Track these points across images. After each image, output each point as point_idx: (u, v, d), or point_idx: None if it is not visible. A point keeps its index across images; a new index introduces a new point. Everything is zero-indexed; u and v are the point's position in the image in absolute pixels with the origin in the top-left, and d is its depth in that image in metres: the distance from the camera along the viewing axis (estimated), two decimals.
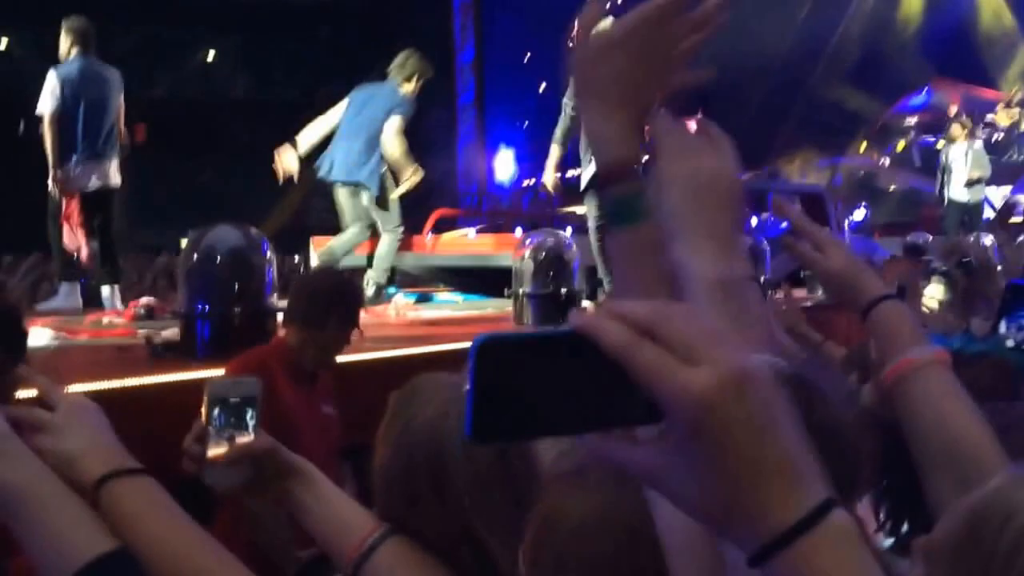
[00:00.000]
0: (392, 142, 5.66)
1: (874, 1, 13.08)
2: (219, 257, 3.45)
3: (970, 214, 8.95)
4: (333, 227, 12.40)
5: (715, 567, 0.69)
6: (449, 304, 6.71)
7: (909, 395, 1.22)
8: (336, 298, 2.77)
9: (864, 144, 12.03)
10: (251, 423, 1.27)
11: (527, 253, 4.86)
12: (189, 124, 16.57)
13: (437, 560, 1.25)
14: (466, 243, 7.29)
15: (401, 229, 6.00)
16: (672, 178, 0.88)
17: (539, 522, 1.01)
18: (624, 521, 0.93)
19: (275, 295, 3.58)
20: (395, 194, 5.86)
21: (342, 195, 5.94)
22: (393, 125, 5.66)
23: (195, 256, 3.52)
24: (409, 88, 5.84)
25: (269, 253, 3.59)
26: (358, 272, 5.82)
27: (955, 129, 9.07)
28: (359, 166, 5.72)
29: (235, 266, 3.42)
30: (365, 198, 5.82)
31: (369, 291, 5.84)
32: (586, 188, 5.21)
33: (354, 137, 5.76)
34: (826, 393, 1.07)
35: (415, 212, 11.03)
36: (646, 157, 0.89)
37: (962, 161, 8.88)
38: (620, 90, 0.88)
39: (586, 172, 5.16)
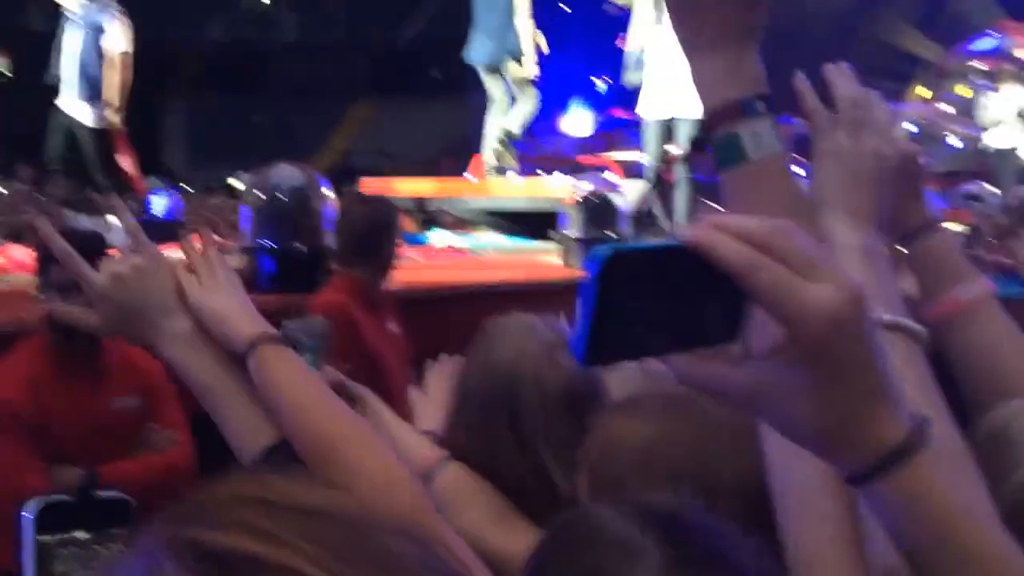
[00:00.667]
0: (525, 22, 6.09)
1: None
2: (281, 195, 3.55)
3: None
4: (380, 168, 12.49)
5: (837, 513, 0.73)
6: (493, 246, 6.79)
7: (958, 337, 1.14)
8: (383, 225, 2.98)
9: (919, 88, 11.73)
10: (320, 361, 1.38)
11: (575, 197, 4.92)
12: (242, 66, 16.71)
13: (494, 486, 1.35)
14: (510, 186, 7.33)
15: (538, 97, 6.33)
16: (830, 151, 0.92)
17: (597, 449, 1.07)
18: (679, 446, 0.99)
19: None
20: (526, 69, 6.15)
21: (487, 77, 6.40)
22: (525, 4, 6.06)
23: (258, 194, 3.63)
24: None
25: (327, 192, 3.69)
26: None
27: (1003, 74, 8.82)
28: (501, 44, 6.11)
29: (296, 204, 3.53)
30: (512, 69, 6.17)
31: (495, 146, 6.24)
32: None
33: (489, 20, 6.17)
34: None
35: (459, 152, 11.09)
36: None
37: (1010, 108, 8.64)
38: (714, 29, 0.85)
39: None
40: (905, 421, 0.58)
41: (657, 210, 5.76)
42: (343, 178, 10.51)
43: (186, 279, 1.04)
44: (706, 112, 0.86)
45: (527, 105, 6.40)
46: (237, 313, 1.03)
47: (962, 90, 10.89)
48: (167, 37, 16.71)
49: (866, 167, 0.90)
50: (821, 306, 0.54)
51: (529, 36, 6.06)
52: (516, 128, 6.34)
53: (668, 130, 5.74)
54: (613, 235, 5.00)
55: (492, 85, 6.47)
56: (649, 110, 5.79)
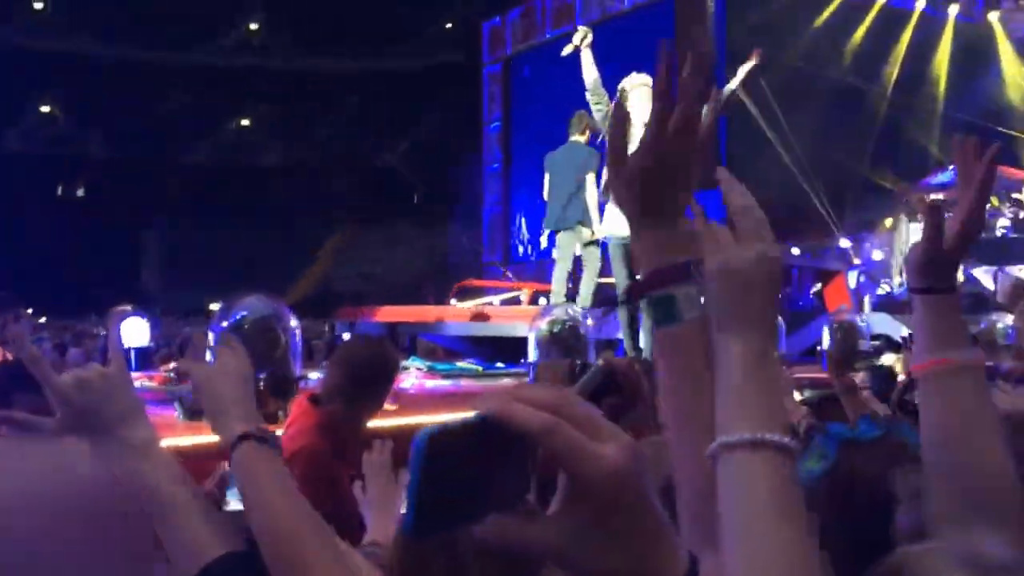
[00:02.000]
0: (591, 192, 6.53)
1: (899, 79, 13.26)
2: (247, 326, 3.58)
3: None
4: (359, 294, 12.55)
5: None
6: (468, 373, 6.80)
7: (937, 397, 1.17)
8: (383, 370, 2.86)
9: (890, 221, 12.04)
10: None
11: (543, 324, 4.93)
12: (224, 189, 16.97)
13: None
14: (486, 312, 7.39)
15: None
16: (719, 267, 0.93)
17: None
18: None
19: (299, 362, 3.71)
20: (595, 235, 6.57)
21: (561, 238, 6.80)
22: (591, 178, 6.54)
23: (224, 324, 3.65)
24: (584, 138, 6.77)
25: (294, 322, 3.72)
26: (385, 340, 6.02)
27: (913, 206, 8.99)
28: (571, 212, 6.62)
29: (262, 335, 3.55)
30: (584, 235, 6.57)
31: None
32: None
33: (562, 191, 6.67)
34: None
35: (438, 280, 11.21)
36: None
37: None
38: (653, 206, 0.96)
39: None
40: (684, 558, 0.64)
41: (624, 335, 5.79)
42: (323, 303, 10.59)
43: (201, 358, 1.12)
44: (645, 274, 0.95)
45: (592, 266, 6.72)
46: (236, 405, 1.10)
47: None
48: (150, 159, 17.04)
49: (758, 275, 0.91)
50: (610, 463, 0.60)
51: (594, 202, 6.52)
52: (587, 299, 6.57)
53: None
54: (580, 362, 5.02)
55: (563, 246, 6.84)
56: (611, 228, 5.89)
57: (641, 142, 0.96)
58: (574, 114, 6.93)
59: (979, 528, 1.10)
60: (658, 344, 0.97)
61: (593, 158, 6.66)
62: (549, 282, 7.06)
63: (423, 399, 5.24)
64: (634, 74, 5.89)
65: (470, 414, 0.59)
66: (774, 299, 0.92)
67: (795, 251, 10.08)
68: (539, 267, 13.43)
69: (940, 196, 9.43)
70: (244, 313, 3.64)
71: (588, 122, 6.74)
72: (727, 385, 0.87)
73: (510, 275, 11.80)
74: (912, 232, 8.73)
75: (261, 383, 3.45)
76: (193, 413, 3.60)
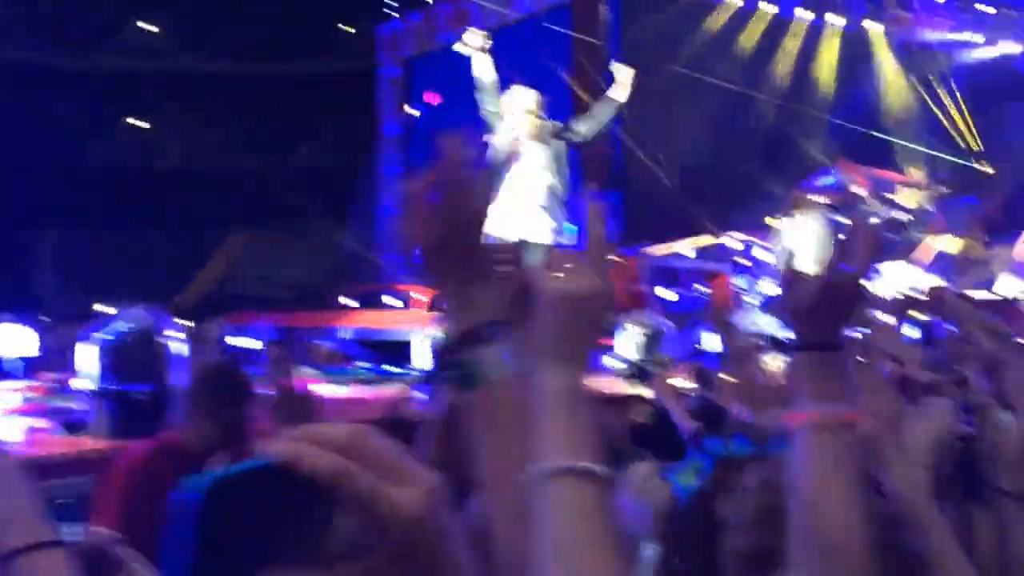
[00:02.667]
0: None
1: (786, 85, 13.72)
2: (127, 339, 3.57)
3: None
4: (255, 298, 12.39)
5: None
6: (362, 376, 6.82)
7: (806, 448, 1.14)
8: (236, 396, 2.85)
9: (777, 223, 12.44)
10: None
11: (428, 330, 4.99)
12: (123, 193, 16.51)
13: None
14: (380, 317, 7.43)
15: None
16: (543, 305, 0.95)
17: None
18: None
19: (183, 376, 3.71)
20: None
21: None
22: None
23: (104, 336, 3.63)
24: None
25: (176, 333, 3.73)
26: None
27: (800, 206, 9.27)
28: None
29: (142, 348, 3.54)
30: None
31: None
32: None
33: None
34: None
35: (335, 284, 11.16)
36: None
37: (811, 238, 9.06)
38: (457, 272, 0.97)
39: None
40: None
41: None
42: (218, 307, 10.43)
43: None
44: (448, 337, 0.95)
45: None
46: (14, 519, 1.03)
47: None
48: (45, 162, 16.48)
49: (584, 310, 0.92)
50: (405, 511, 0.56)
51: None
52: None
53: None
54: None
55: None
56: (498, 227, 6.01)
57: (424, 221, 0.98)
58: None
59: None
60: (467, 408, 0.96)
61: None
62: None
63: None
64: (517, 90, 6.00)
65: (251, 461, 0.54)
66: (594, 335, 0.94)
67: (690, 253, 10.37)
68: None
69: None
70: (126, 324, 3.64)
71: None
72: (541, 414, 0.89)
73: (408, 281, 11.83)
74: (797, 232, 9.02)
75: (141, 397, 3.46)
76: (73, 428, 3.58)
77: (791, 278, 1.19)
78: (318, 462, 0.54)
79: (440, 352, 0.97)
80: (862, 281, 1.16)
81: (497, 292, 0.97)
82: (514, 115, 5.91)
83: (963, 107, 14.71)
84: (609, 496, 0.86)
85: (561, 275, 0.95)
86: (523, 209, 5.79)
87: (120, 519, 2.38)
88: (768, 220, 11.79)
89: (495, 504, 0.95)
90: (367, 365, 7.21)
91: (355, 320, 7.73)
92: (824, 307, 1.14)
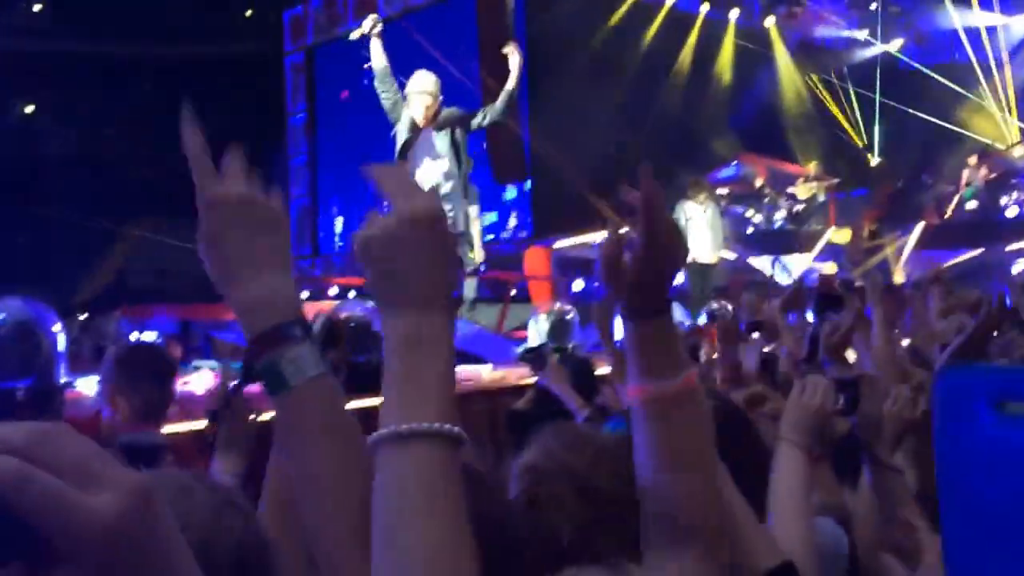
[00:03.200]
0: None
1: (686, 81, 13.96)
2: (4, 331, 3.41)
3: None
4: (153, 289, 12.02)
5: None
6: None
7: (647, 423, 1.08)
8: (138, 369, 2.79)
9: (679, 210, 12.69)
10: None
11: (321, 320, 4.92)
12: (7, 181, 15.87)
13: None
14: None
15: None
16: (362, 246, 0.85)
17: None
18: None
19: (64, 369, 3.56)
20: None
21: None
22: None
23: None
24: None
25: (58, 326, 3.57)
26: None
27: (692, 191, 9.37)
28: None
29: (20, 341, 3.38)
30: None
31: None
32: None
33: None
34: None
35: None
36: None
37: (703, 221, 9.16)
38: (241, 260, 0.90)
39: None
40: None
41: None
42: (115, 300, 10.14)
43: None
44: (249, 341, 0.89)
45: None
46: None
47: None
48: None
49: (404, 242, 0.82)
50: (99, 519, 0.47)
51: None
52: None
53: None
54: (375, 360, 5.05)
55: None
56: None
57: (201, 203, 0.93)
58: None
59: (673, 554, 1.06)
60: (277, 414, 0.90)
61: None
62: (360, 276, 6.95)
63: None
64: (418, 74, 5.98)
65: None
66: (430, 268, 0.83)
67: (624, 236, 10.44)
68: (351, 260, 13.34)
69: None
70: (3, 316, 3.47)
71: None
72: (387, 373, 0.82)
73: (316, 271, 11.69)
74: (689, 216, 9.12)
75: (20, 393, 3.32)
76: None
77: (610, 251, 1.09)
78: None
79: (245, 356, 0.95)
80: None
81: (293, 290, 0.91)
82: (415, 99, 5.87)
83: (854, 102, 15.23)
84: (456, 460, 0.79)
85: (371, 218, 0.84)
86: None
87: None
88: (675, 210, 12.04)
89: (305, 506, 0.89)
90: None
91: None
92: (643, 276, 1.06)
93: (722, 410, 1.39)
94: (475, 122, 6.08)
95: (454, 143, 5.95)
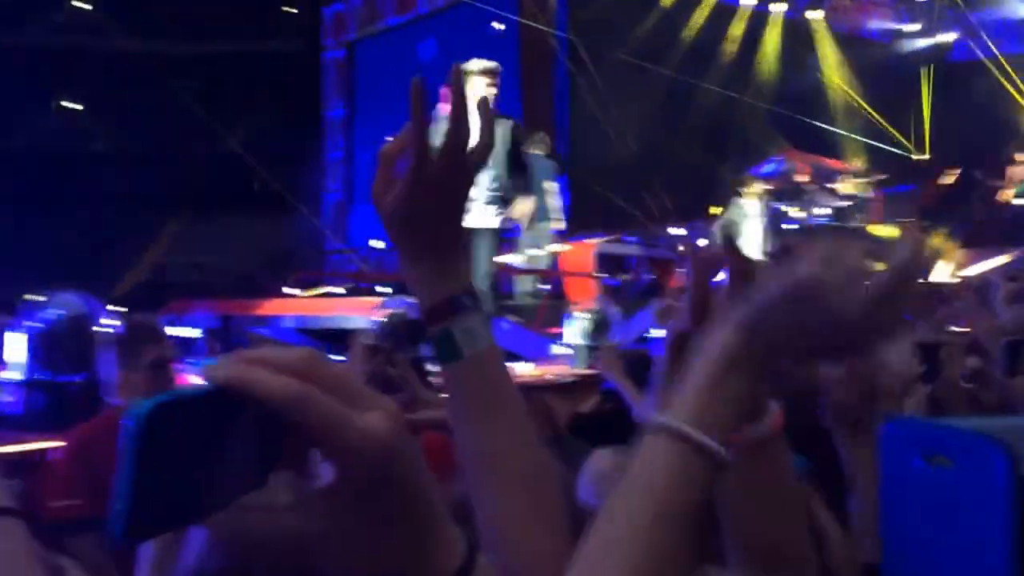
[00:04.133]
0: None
1: (729, 74, 13.80)
2: (57, 326, 3.40)
3: None
4: (192, 285, 12.11)
5: None
6: None
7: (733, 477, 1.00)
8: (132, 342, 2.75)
9: (722, 210, 12.57)
10: None
11: (378, 317, 4.91)
12: (49, 177, 16.06)
13: None
14: (323, 304, 7.29)
15: None
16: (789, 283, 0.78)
17: None
18: None
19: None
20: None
21: None
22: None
23: (33, 324, 3.47)
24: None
25: (110, 320, 3.55)
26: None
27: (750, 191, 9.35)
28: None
29: (75, 336, 3.38)
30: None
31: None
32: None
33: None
34: None
35: (276, 272, 10.95)
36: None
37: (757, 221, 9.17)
38: (424, 241, 0.91)
39: None
40: (461, 548, 0.56)
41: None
42: (154, 295, 10.18)
43: None
44: (423, 312, 0.92)
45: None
46: None
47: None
48: None
49: (826, 309, 0.75)
50: (376, 434, 0.50)
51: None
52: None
53: None
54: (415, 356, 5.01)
55: None
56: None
57: (404, 183, 0.91)
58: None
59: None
60: (449, 382, 0.93)
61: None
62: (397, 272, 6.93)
63: None
64: (474, 60, 5.90)
65: (199, 384, 0.48)
66: (796, 334, 0.76)
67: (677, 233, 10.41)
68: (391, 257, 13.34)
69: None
70: (55, 311, 3.46)
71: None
72: (695, 372, 0.78)
73: (363, 265, 11.67)
74: (741, 213, 9.06)
75: (74, 387, 3.30)
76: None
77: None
78: (275, 385, 0.48)
79: (415, 326, 0.96)
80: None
81: (464, 263, 0.94)
82: (477, 80, 5.78)
83: (902, 96, 14.96)
84: (709, 482, 0.75)
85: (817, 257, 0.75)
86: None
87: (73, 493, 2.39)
88: (712, 208, 11.90)
89: (476, 483, 0.91)
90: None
91: (296, 308, 7.56)
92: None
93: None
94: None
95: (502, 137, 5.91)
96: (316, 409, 0.49)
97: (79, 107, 17.12)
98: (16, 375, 3.47)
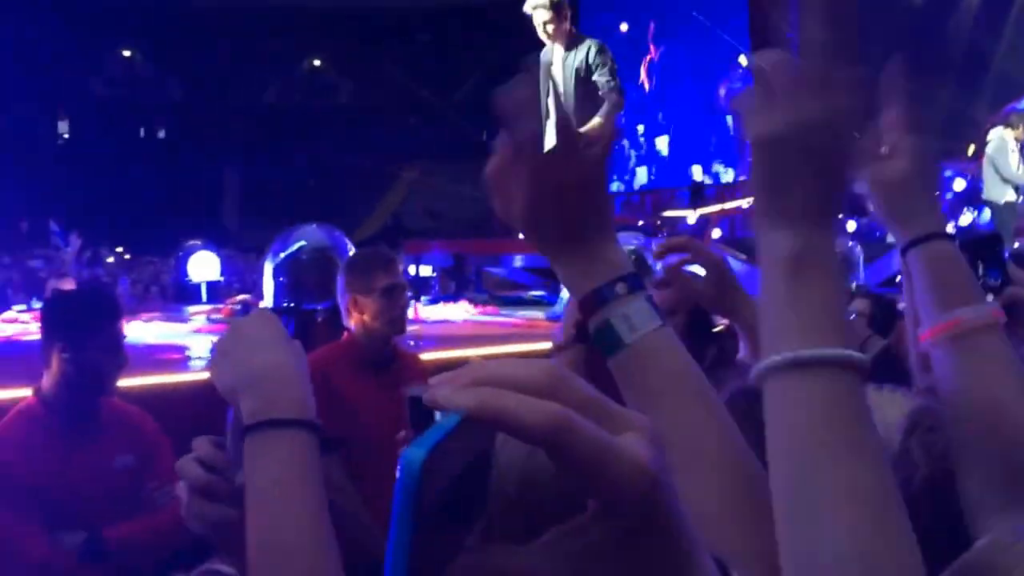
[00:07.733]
0: None
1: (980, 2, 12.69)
2: (303, 256, 3.59)
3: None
4: (426, 229, 12.54)
5: None
6: (536, 303, 6.78)
7: (955, 363, 0.98)
8: (353, 271, 2.84)
9: (972, 148, 11.62)
10: None
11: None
12: (298, 130, 17.15)
13: None
14: None
15: None
16: (758, 136, 0.73)
17: None
18: None
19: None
20: None
21: None
22: None
23: (280, 255, 3.67)
24: None
25: (352, 251, 3.72)
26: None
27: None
28: None
29: (318, 265, 3.56)
30: None
31: None
32: None
33: None
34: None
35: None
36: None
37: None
38: (562, 234, 0.84)
39: None
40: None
41: None
42: (392, 238, 10.67)
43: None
44: (580, 308, 0.85)
45: None
46: (245, 392, 0.94)
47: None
48: (226, 101, 17.28)
49: (807, 147, 0.70)
50: (640, 463, 0.41)
51: None
52: None
53: None
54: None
55: None
56: None
57: (523, 195, 0.83)
58: None
59: None
60: (618, 375, 0.84)
61: None
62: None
63: (471, 335, 5.26)
64: None
65: (444, 417, 0.41)
66: (825, 178, 0.71)
67: None
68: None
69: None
70: (302, 243, 3.66)
71: None
72: (766, 296, 0.72)
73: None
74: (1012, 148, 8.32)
75: (319, 315, 3.49)
76: None
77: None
78: (533, 413, 0.39)
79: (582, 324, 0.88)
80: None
81: (615, 251, 0.84)
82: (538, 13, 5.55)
83: None
84: (862, 389, 0.68)
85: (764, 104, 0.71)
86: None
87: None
88: (967, 147, 11.02)
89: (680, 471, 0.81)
90: (539, 293, 7.17)
91: (526, 247, 7.69)
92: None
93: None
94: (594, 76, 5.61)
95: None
96: (579, 438, 0.40)
97: (317, 61, 18.05)
98: (268, 304, 3.70)
